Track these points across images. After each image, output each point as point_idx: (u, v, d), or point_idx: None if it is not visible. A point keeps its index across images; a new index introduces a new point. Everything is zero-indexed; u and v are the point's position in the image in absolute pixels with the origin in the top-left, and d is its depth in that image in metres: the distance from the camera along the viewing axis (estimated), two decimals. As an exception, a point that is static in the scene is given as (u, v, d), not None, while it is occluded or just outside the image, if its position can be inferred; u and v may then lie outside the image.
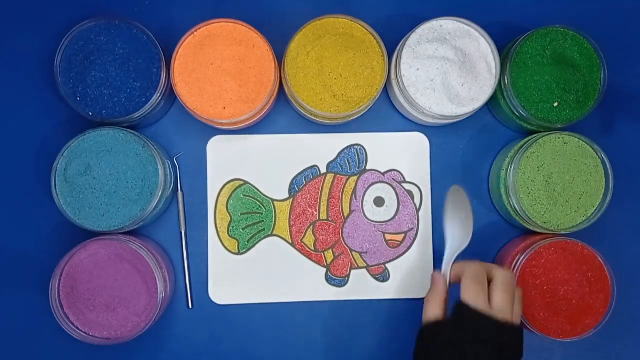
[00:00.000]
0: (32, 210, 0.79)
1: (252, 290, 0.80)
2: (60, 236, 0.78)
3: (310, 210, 0.81)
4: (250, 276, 0.80)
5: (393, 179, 0.82)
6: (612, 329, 0.75)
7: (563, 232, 0.76)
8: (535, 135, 0.76)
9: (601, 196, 0.76)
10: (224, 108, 0.73)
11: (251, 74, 0.73)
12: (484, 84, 0.75)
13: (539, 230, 0.77)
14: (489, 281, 0.66)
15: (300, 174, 0.81)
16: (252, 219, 0.81)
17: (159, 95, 0.74)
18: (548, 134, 0.76)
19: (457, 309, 0.62)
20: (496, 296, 0.63)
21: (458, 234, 0.70)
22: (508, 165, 0.77)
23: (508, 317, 0.63)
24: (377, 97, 0.74)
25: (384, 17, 0.82)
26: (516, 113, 0.76)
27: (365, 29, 0.74)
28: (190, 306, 0.80)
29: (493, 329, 0.61)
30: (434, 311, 0.65)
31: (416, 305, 0.81)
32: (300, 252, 0.81)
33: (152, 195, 0.74)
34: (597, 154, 0.76)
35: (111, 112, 0.73)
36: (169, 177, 0.77)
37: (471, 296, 0.62)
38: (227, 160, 0.81)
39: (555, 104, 0.76)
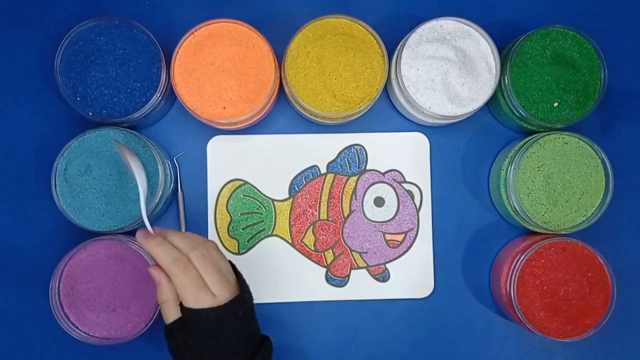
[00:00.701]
0: (32, 210, 0.79)
1: (252, 290, 0.80)
2: (60, 236, 0.78)
3: (310, 210, 0.81)
4: (250, 276, 0.80)
5: (393, 179, 0.82)
6: (612, 329, 0.75)
7: (563, 232, 0.76)
8: (535, 135, 0.76)
9: (601, 196, 0.76)
10: (224, 108, 0.73)
11: (251, 74, 0.73)
12: (484, 84, 0.75)
13: (539, 230, 0.77)
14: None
15: (300, 174, 0.81)
16: (252, 219, 0.81)
17: (159, 95, 0.74)
18: (548, 134, 0.76)
19: (187, 316, 0.59)
20: (208, 279, 0.59)
21: (142, 180, 0.66)
22: (508, 165, 0.77)
23: (227, 291, 0.60)
24: (377, 97, 0.74)
25: (384, 17, 0.82)
26: (516, 113, 0.76)
27: (365, 29, 0.74)
28: (190, 306, 0.80)
29: (227, 314, 0.59)
30: (171, 314, 0.61)
31: (416, 305, 0.81)
32: (300, 252, 0.81)
33: (152, 195, 0.74)
34: (597, 154, 0.76)
35: (111, 112, 0.73)
36: (169, 177, 0.77)
37: (192, 298, 0.58)
38: (227, 160, 0.81)
39: (555, 104, 0.76)
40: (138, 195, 0.67)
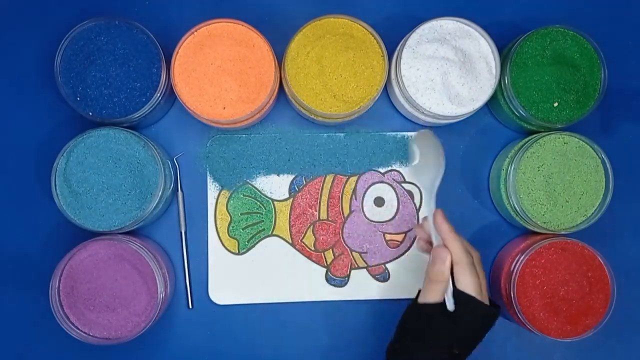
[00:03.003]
0: (32, 210, 0.79)
1: (252, 290, 0.80)
2: (60, 236, 0.79)
3: (310, 210, 0.81)
4: (250, 276, 0.80)
5: (393, 179, 0.82)
6: (612, 329, 0.75)
7: (563, 232, 0.76)
8: (535, 135, 0.76)
9: (601, 196, 0.76)
10: (224, 108, 0.73)
11: (251, 74, 0.73)
12: (484, 84, 0.75)
13: (539, 230, 0.77)
14: None
15: (300, 174, 0.81)
16: (252, 219, 0.81)
17: (159, 95, 0.74)
18: (548, 134, 0.76)
19: (463, 300, 0.61)
20: (482, 281, 0.63)
21: (434, 166, 0.67)
22: (508, 165, 0.77)
23: (487, 298, 0.64)
24: (377, 97, 0.74)
25: (384, 17, 0.82)
26: (516, 113, 0.76)
27: (365, 29, 0.74)
28: (190, 306, 0.80)
29: (491, 318, 0.63)
30: (434, 295, 0.62)
31: (416, 305, 0.81)
32: (300, 252, 0.81)
33: (152, 195, 0.74)
34: (597, 154, 0.76)
35: (111, 112, 0.73)
36: (169, 177, 0.77)
37: (476, 288, 0.61)
38: (227, 160, 0.81)
39: (555, 104, 0.76)
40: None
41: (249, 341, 0.80)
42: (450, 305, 0.61)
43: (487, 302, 0.62)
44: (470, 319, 0.61)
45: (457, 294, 0.61)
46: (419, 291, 0.64)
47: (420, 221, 0.65)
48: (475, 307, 0.61)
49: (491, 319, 0.62)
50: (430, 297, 0.62)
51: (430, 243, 0.67)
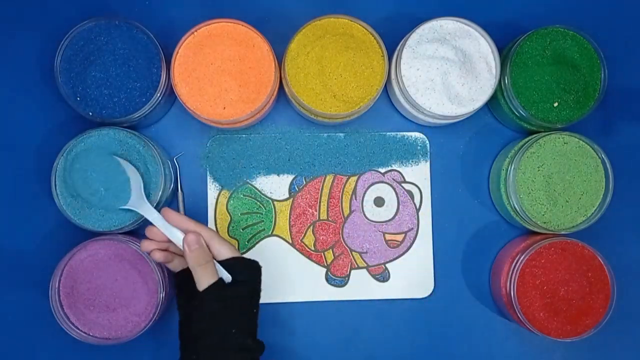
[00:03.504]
0: (32, 210, 0.79)
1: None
2: (60, 236, 0.78)
3: (310, 210, 0.81)
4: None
5: (393, 179, 0.82)
6: (612, 329, 0.75)
7: (563, 232, 0.76)
8: (535, 135, 0.76)
9: (601, 196, 0.76)
10: (224, 108, 0.73)
11: (251, 74, 0.73)
12: (484, 84, 0.75)
13: (539, 230, 0.77)
14: None
15: (300, 174, 0.81)
16: (252, 219, 0.81)
17: (159, 95, 0.74)
18: (548, 134, 0.76)
19: (234, 265, 0.65)
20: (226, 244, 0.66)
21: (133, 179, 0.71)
22: (508, 165, 0.77)
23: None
24: (377, 97, 0.74)
25: (384, 17, 0.82)
26: (516, 113, 0.76)
27: (365, 29, 0.74)
28: (190, 306, 0.80)
29: (255, 264, 0.67)
30: (209, 276, 0.63)
31: (416, 305, 0.81)
32: (300, 252, 0.81)
33: (152, 195, 0.74)
34: (597, 154, 0.76)
35: (111, 112, 0.73)
36: (169, 177, 0.77)
37: (232, 249, 0.66)
38: (227, 160, 0.81)
39: (555, 104, 0.76)
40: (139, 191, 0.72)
41: (249, 341, 0.80)
42: (227, 276, 0.64)
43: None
44: (252, 274, 0.66)
45: (227, 263, 0.65)
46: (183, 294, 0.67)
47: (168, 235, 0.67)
48: (246, 263, 0.66)
49: (256, 265, 0.67)
50: (209, 279, 0.63)
51: (166, 250, 0.68)
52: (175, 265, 0.68)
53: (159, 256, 0.66)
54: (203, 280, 0.63)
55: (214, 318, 0.62)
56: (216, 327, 0.62)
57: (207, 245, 0.65)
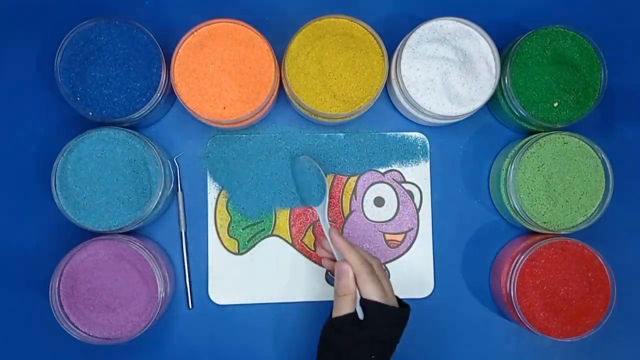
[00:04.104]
0: (32, 210, 0.79)
1: (252, 290, 0.80)
2: (60, 236, 0.78)
3: (310, 210, 0.81)
4: (250, 276, 0.80)
5: (393, 179, 0.82)
6: (612, 329, 0.75)
7: (563, 232, 0.76)
8: (535, 135, 0.76)
9: (601, 196, 0.76)
10: (224, 108, 0.73)
11: (251, 74, 0.73)
12: (484, 84, 0.75)
13: (539, 230, 0.77)
14: None
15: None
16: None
17: (159, 95, 0.74)
18: (548, 134, 0.76)
19: (370, 308, 0.64)
20: (385, 285, 0.66)
21: (320, 188, 0.73)
22: (508, 165, 0.77)
23: (395, 301, 0.66)
24: (377, 97, 0.74)
25: (384, 17, 0.82)
26: (516, 113, 0.76)
27: (365, 29, 0.74)
28: (190, 306, 0.80)
29: (401, 319, 0.66)
30: (345, 308, 0.65)
31: (416, 305, 0.81)
32: (300, 252, 0.81)
33: (152, 195, 0.74)
34: (597, 154, 0.76)
35: (111, 112, 0.73)
36: (169, 177, 0.77)
37: (380, 294, 0.64)
38: (227, 160, 0.81)
39: (555, 104, 0.76)
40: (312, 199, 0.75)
41: (249, 341, 0.80)
42: (360, 314, 0.64)
43: (394, 303, 0.65)
44: (380, 322, 0.64)
45: (364, 303, 0.64)
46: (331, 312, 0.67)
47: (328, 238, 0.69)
48: (382, 310, 0.64)
49: (400, 319, 0.66)
50: (342, 310, 0.64)
51: (334, 260, 0.70)
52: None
53: (328, 265, 0.72)
54: (337, 309, 0.65)
55: (326, 347, 0.65)
56: (327, 354, 0.65)
57: (355, 279, 0.65)
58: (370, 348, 0.64)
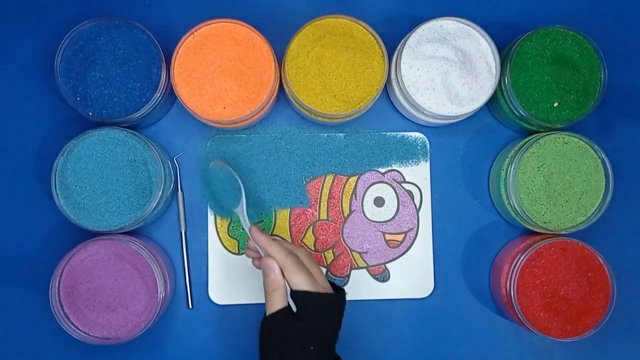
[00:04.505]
0: (32, 210, 0.79)
1: (252, 290, 0.80)
2: (60, 236, 0.79)
3: (310, 210, 0.81)
4: (250, 276, 0.80)
5: (393, 179, 0.82)
6: (612, 329, 0.75)
7: (563, 232, 0.76)
8: (535, 135, 0.76)
9: (601, 196, 0.76)
10: (224, 108, 0.73)
11: (251, 74, 0.73)
12: (484, 84, 0.75)
13: (539, 230, 0.77)
14: None
15: (300, 174, 0.81)
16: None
17: (159, 95, 0.74)
18: (548, 134, 0.76)
19: (301, 300, 0.63)
20: (315, 273, 0.65)
21: (235, 190, 0.72)
22: (508, 165, 0.77)
23: (329, 288, 0.65)
24: (377, 97, 0.74)
25: (384, 17, 0.82)
26: (516, 113, 0.76)
27: (365, 29, 0.74)
28: (190, 306, 0.80)
29: (335, 303, 0.65)
30: (278, 303, 0.63)
31: (416, 305, 0.81)
32: (300, 252, 0.81)
33: (152, 195, 0.74)
34: (597, 154, 0.76)
35: (111, 112, 0.73)
36: (169, 177, 0.77)
37: (309, 282, 0.63)
38: (227, 160, 0.81)
39: (555, 104, 0.76)
40: (239, 198, 0.73)
41: (249, 341, 0.80)
42: (293, 307, 0.63)
43: (327, 289, 0.64)
44: (313, 311, 0.63)
45: (294, 294, 0.63)
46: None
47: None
48: (313, 299, 0.62)
49: (334, 303, 0.64)
50: (275, 306, 0.63)
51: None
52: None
53: (257, 264, 0.71)
54: (269, 307, 0.64)
55: (266, 345, 0.64)
56: (267, 352, 0.64)
57: (282, 272, 0.64)
58: (309, 339, 0.62)
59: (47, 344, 0.79)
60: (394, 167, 0.82)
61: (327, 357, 0.64)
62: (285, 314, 0.63)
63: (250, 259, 0.72)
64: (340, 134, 0.82)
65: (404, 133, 0.82)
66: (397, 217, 0.81)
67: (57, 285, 0.73)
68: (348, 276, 0.81)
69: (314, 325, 0.63)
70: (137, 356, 0.79)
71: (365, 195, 0.81)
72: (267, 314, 0.64)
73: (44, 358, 0.79)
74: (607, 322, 0.74)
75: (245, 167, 0.81)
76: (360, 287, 0.81)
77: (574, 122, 0.76)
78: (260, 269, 0.68)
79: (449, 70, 0.74)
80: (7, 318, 0.79)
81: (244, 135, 0.81)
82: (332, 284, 0.67)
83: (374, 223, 0.81)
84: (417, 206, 0.82)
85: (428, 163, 0.82)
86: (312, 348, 0.62)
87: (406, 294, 0.81)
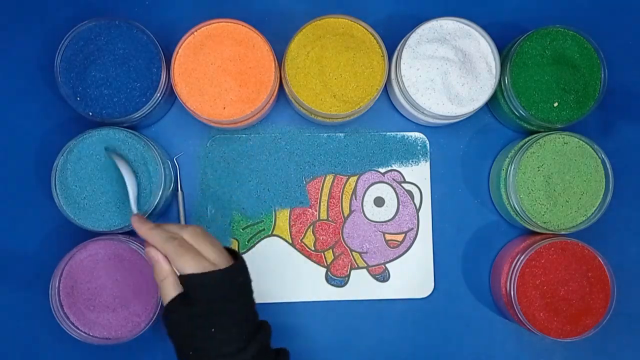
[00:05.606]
0: (32, 210, 0.79)
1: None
2: (60, 236, 0.78)
3: (310, 210, 0.81)
4: (251, 276, 0.80)
5: (393, 179, 0.82)
6: (612, 329, 0.75)
7: (563, 232, 0.76)
8: (535, 135, 0.76)
9: (601, 196, 0.76)
10: (224, 108, 0.73)
11: (251, 74, 0.73)
12: (484, 84, 0.75)
13: (539, 230, 0.77)
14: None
15: (300, 174, 0.81)
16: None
17: (159, 95, 0.74)
18: (548, 134, 0.76)
19: (189, 284, 0.60)
20: (204, 251, 0.61)
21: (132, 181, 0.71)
22: (508, 165, 0.77)
23: (224, 261, 0.62)
24: (377, 97, 0.74)
25: (384, 17, 0.82)
26: (516, 113, 0.76)
27: (365, 29, 0.74)
28: (190, 306, 0.80)
29: (227, 277, 0.61)
30: (171, 291, 0.61)
31: (416, 305, 0.81)
32: (300, 252, 0.81)
33: (152, 195, 0.74)
34: (597, 154, 0.76)
35: (111, 112, 0.73)
36: (169, 177, 0.77)
37: (192, 264, 0.59)
38: (227, 160, 0.81)
39: (555, 104, 0.76)
40: (127, 191, 0.71)
41: (249, 341, 0.80)
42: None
43: (217, 265, 0.60)
44: (201, 293, 0.59)
45: (181, 280, 0.60)
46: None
47: None
48: (200, 280, 0.59)
49: (226, 277, 0.60)
50: (169, 295, 0.61)
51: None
52: None
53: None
54: (163, 297, 0.62)
55: (171, 335, 0.62)
56: (175, 342, 0.62)
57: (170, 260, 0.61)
58: (206, 321, 0.59)
59: (47, 344, 0.79)
60: (394, 167, 0.82)
61: (239, 332, 0.60)
62: (180, 301, 0.60)
63: None
64: (340, 134, 0.82)
65: (404, 133, 0.82)
66: (397, 217, 0.81)
67: (57, 285, 0.73)
68: (348, 276, 0.81)
69: (207, 306, 0.59)
70: (137, 356, 0.79)
71: (365, 195, 0.81)
72: (164, 304, 0.61)
73: (44, 358, 0.79)
74: (607, 322, 0.74)
75: (245, 167, 0.81)
76: (360, 287, 0.81)
77: (574, 122, 0.76)
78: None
79: (449, 70, 0.74)
80: (7, 318, 0.79)
81: (244, 135, 0.81)
82: (234, 252, 0.64)
83: (374, 223, 0.81)
84: (417, 206, 0.82)
85: (428, 163, 0.82)
86: (213, 330, 0.59)
87: (406, 294, 0.81)
